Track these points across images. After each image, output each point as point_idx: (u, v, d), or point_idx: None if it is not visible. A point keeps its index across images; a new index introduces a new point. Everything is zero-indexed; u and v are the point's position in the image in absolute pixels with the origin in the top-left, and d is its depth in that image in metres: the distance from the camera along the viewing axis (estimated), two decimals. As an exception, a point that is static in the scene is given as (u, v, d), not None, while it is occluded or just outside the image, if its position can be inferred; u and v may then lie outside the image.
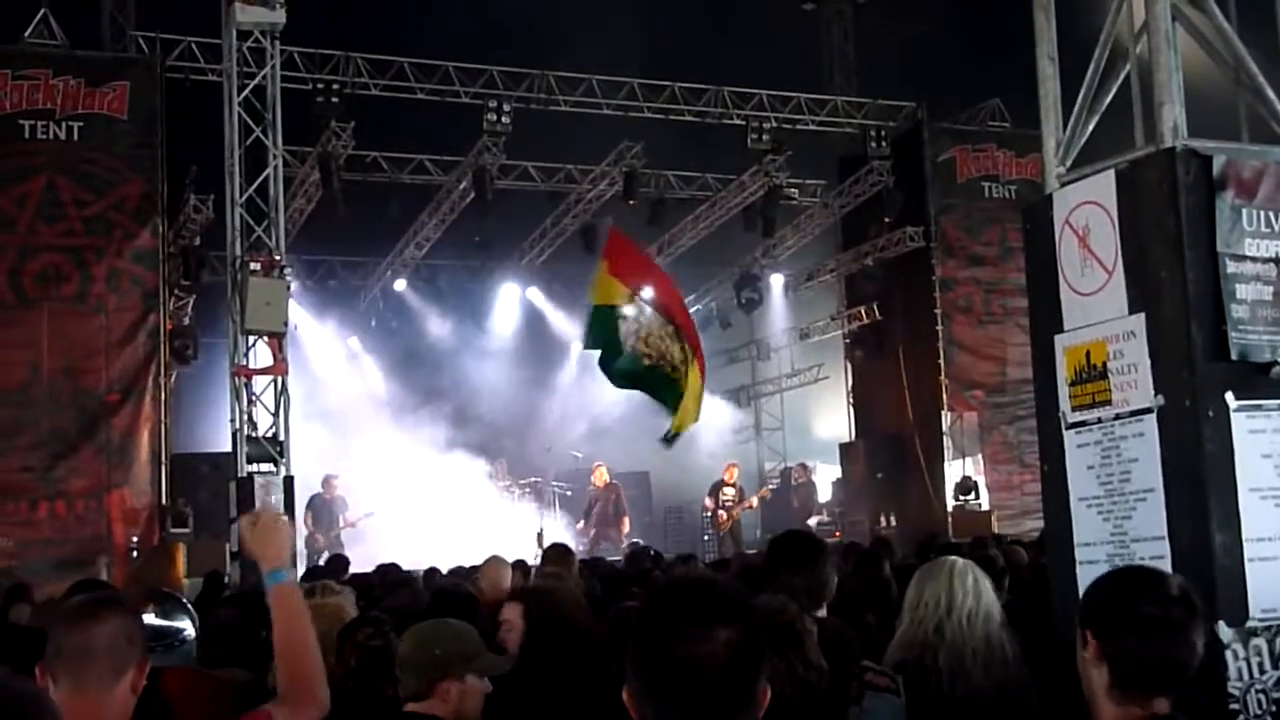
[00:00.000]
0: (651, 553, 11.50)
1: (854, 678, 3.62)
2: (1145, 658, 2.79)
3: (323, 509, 17.40)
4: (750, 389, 25.77)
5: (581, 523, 18.43)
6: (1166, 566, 3.96)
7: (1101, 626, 2.85)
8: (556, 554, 8.05)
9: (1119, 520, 4.09)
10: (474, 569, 8.66)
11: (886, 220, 20.14)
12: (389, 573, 8.76)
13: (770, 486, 21.08)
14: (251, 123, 14.92)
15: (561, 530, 17.31)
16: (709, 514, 19.50)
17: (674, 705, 2.01)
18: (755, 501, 20.20)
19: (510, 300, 23.12)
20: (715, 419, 23.98)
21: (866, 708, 3.56)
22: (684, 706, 2.01)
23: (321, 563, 14.01)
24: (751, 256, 22.40)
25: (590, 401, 21.68)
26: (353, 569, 10.99)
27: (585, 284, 23.39)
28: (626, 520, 18.47)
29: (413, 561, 12.32)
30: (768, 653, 2.08)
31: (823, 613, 4.27)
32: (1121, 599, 2.88)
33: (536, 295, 23.33)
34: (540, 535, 11.99)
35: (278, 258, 14.90)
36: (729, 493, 19.27)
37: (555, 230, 21.02)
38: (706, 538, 20.18)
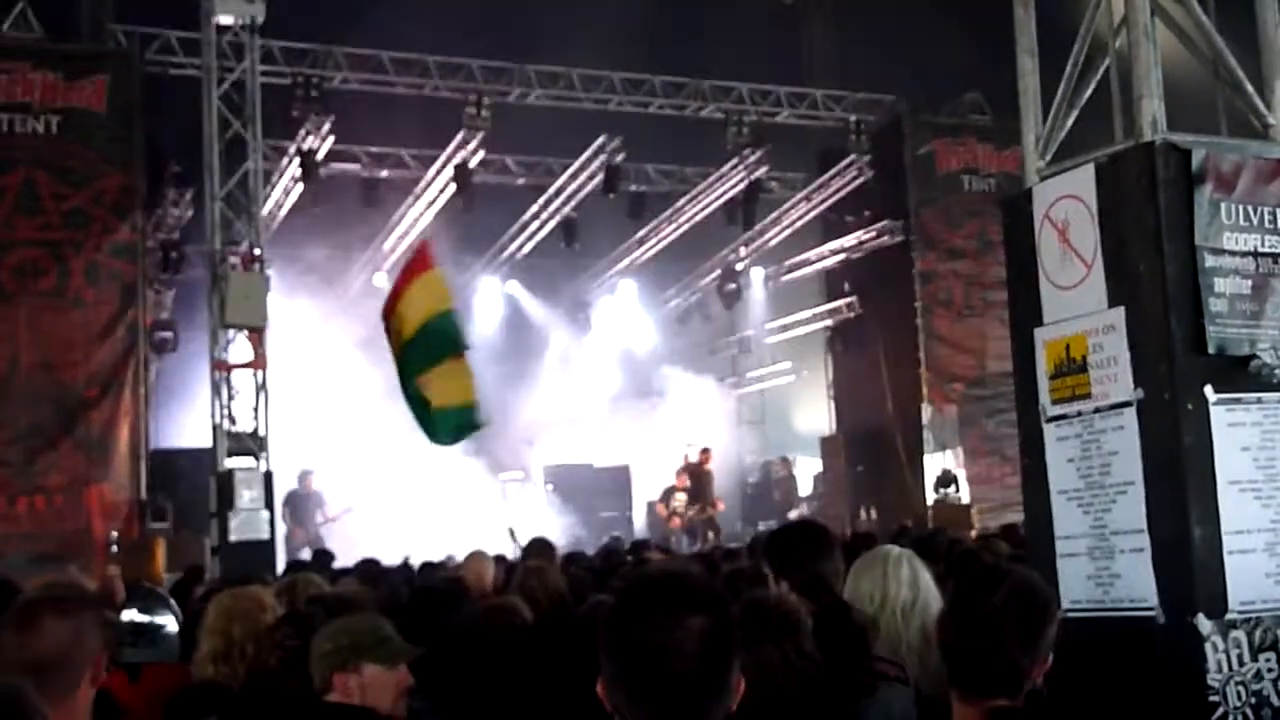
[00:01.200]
0: (627, 546, 11.52)
1: (864, 669, 3.58)
2: (969, 656, 2.84)
3: (301, 504, 17.37)
4: (731, 382, 25.79)
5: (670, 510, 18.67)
6: (1146, 559, 3.97)
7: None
8: (539, 548, 8.07)
9: (1099, 513, 4.10)
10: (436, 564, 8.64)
11: (867, 213, 20.18)
12: (368, 568, 8.73)
13: (720, 505, 20.97)
14: (231, 117, 14.85)
15: (550, 525, 17.33)
16: (663, 518, 19.35)
17: (646, 694, 2.02)
18: (711, 510, 19.73)
19: (491, 295, 23.09)
20: (697, 409, 24.08)
21: (880, 698, 3.53)
22: (656, 695, 2.01)
23: (305, 556, 14.03)
24: (732, 250, 22.42)
25: (570, 394, 21.76)
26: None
27: (566, 277, 23.62)
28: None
29: (392, 556, 12.35)
30: (739, 641, 2.07)
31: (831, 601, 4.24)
32: (956, 596, 2.98)
33: (517, 289, 23.32)
34: (512, 532, 11.90)
35: (257, 252, 14.84)
36: (679, 498, 19.18)
37: (536, 224, 20.98)
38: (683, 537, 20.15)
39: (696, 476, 19.29)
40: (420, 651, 3.82)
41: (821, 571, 4.09)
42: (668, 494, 19.33)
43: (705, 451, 19.61)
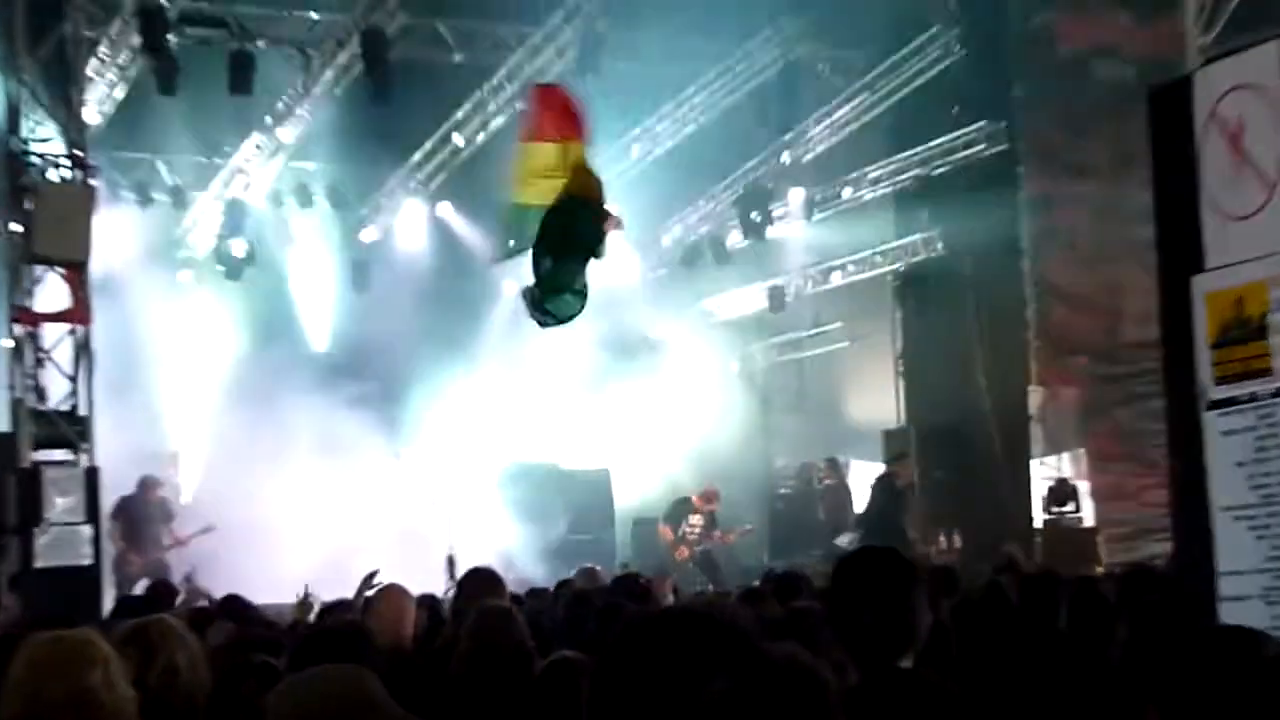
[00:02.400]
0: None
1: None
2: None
3: (140, 517, 17.38)
4: (755, 351, 25.74)
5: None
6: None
7: None
8: (481, 584, 8.07)
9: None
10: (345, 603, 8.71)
11: (955, 111, 20.11)
12: (235, 608, 8.76)
13: (748, 528, 21.19)
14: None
15: (498, 549, 17.43)
16: (668, 545, 19.55)
17: None
18: (733, 537, 20.36)
19: (413, 221, 23.01)
20: (704, 389, 24.08)
21: None
22: None
23: (138, 591, 14.01)
24: (761, 162, 22.34)
25: (526, 367, 21.78)
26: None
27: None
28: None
29: (273, 593, 12.35)
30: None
31: (908, 663, 4.30)
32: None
33: (450, 214, 23.23)
34: (452, 561, 11.87)
35: (79, 154, 14.85)
36: (696, 521, 19.38)
37: (478, 121, 20.87)
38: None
39: (713, 499, 19.85)
40: None
41: (897, 620, 4.17)
42: (680, 512, 19.46)
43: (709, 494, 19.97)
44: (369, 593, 10.63)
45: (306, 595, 11.34)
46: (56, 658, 4.58)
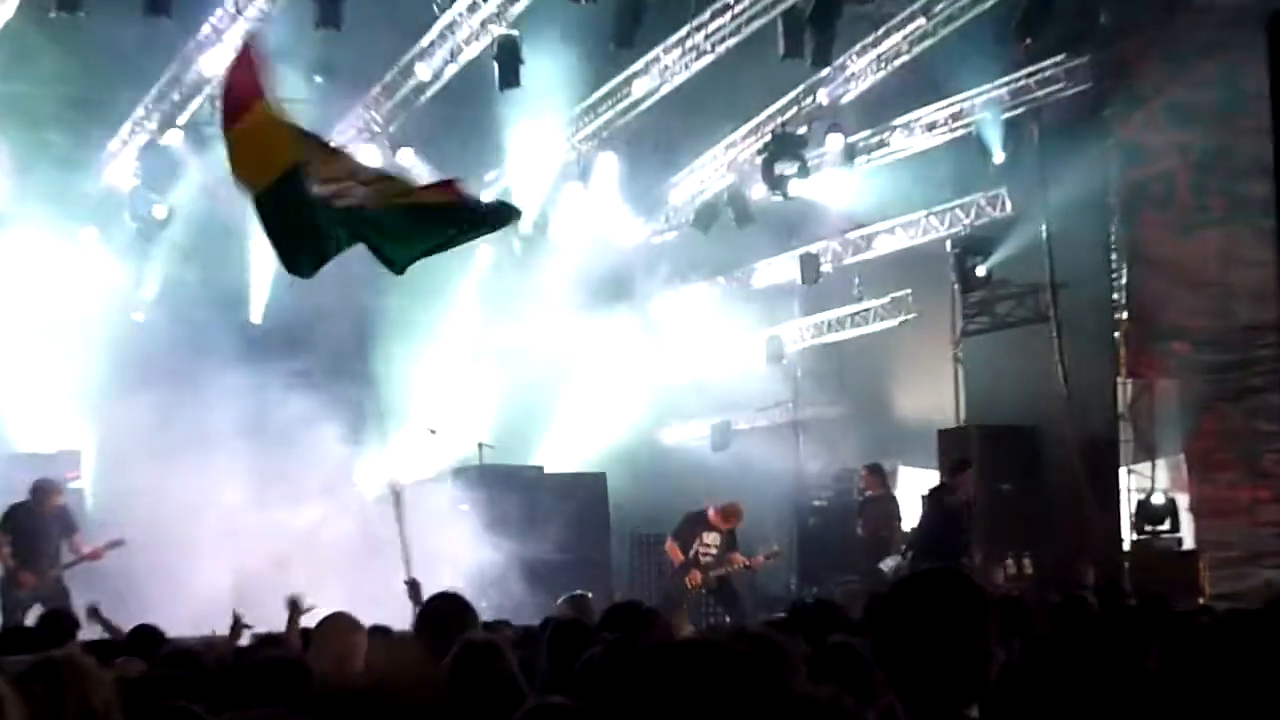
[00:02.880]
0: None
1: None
2: None
3: (33, 529, 17.45)
4: (787, 333, 25.75)
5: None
6: None
7: None
8: (447, 614, 8.04)
9: None
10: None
11: (1027, 43, 20.09)
12: (144, 643, 8.77)
13: (775, 551, 21.27)
14: None
15: (466, 570, 17.46)
16: (676, 567, 19.62)
17: None
18: (758, 562, 20.52)
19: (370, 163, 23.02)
20: (722, 378, 24.07)
21: None
22: None
23: (30, 621, 14.00)
24: (792, 101, 22.31)
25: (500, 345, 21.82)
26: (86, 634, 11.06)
27: (497, 144, 23.64)
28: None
29: (194, 623, 12.35)
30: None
31: (975, 713, 4.33)
32: None
33: (412, 161, 23.20)
34: (414, 587, 11.78)
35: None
36: (711, 540, 19.40)
37: (446, 49, 20.84)
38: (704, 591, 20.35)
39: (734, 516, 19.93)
40: None
41: (963, 661, 4.20)
42: (692, 529, 19.48)
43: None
44: (301, 622, 10.70)
45: (238, 622, 11.37)
46: None
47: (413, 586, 11.24)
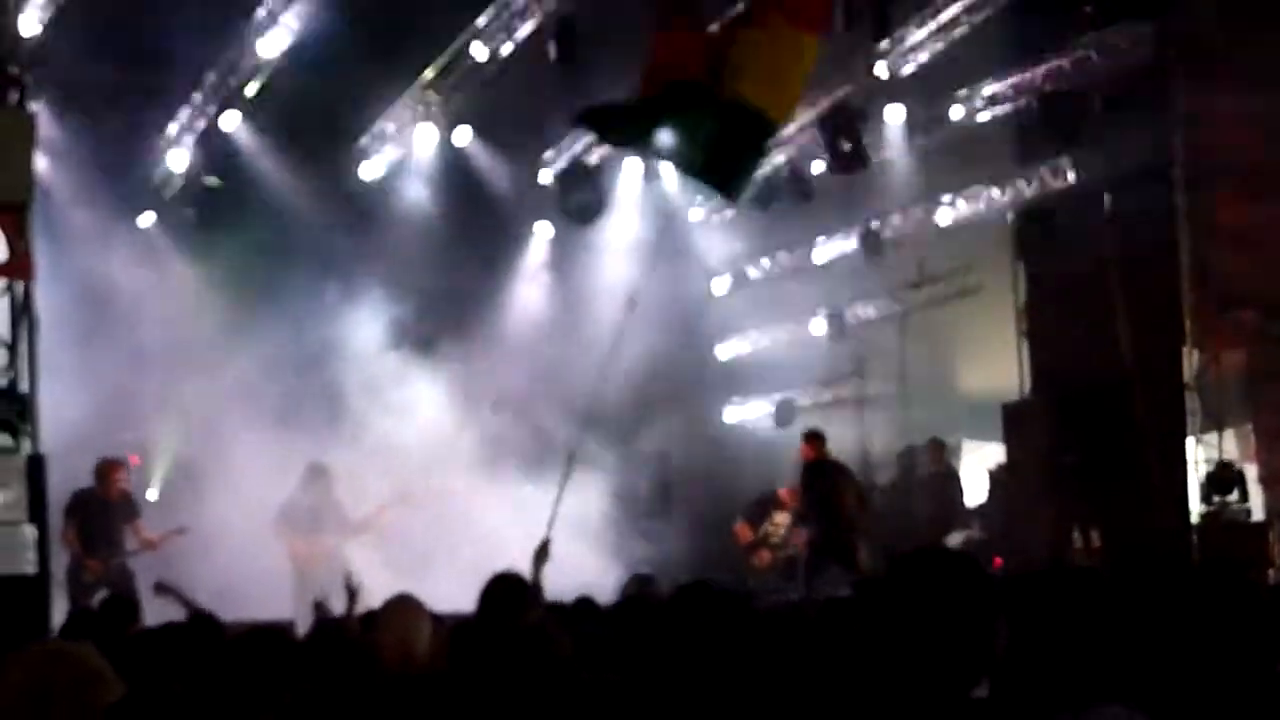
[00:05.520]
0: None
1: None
2: None
3: (98, 516, 17.57)
4: (848, 311, 25.65)
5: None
6: None
7: None
8: (506, 593, 8.02)
9: None
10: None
11: (1089, 10, 19.92)
12: (203, 630, 8.73)
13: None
14: None
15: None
16: (745, 547, 19.67)
17: None
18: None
19: (424, 147, 23.00)
20: (795, 363, 24.02)
21: None
22: None
23: (95, 604, 14.05)
24: (852, 75, 22.18)
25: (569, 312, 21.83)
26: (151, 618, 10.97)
27: (558, 120, 23.56)
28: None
29: (262, 606, 12.38)
30: None
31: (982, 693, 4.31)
32: None
33: (468, 139, 23.18)
34: (543, 551, 11.54)
35: (15, 72, 14.91)
36: (781, 520, 19.43)
37: (501, 22, 20.78)
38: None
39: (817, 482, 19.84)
40: None
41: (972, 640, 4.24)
42: (763, 509, 19.52)
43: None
44: (359, 603, 10.70)
45: (350, 580, 11.32)
46: (63, 677, 4.51)
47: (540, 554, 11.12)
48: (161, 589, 12.36)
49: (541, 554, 10.36)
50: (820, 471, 20.56)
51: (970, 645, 4.26)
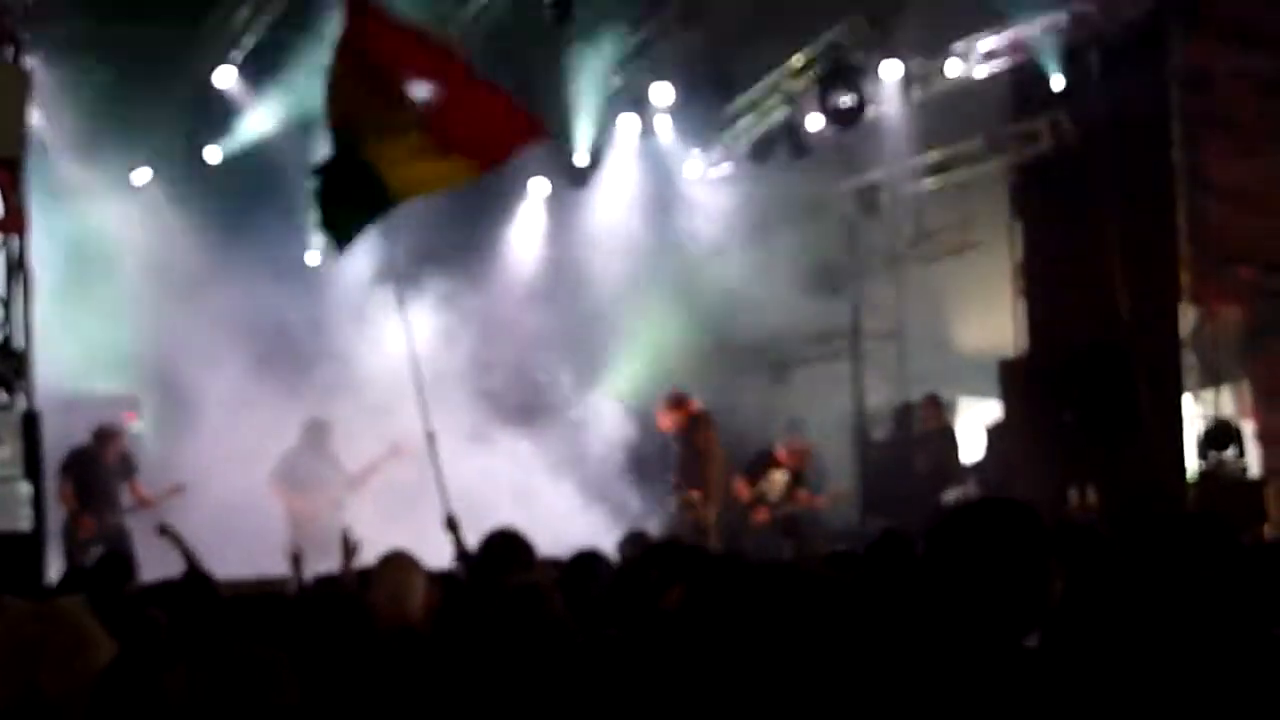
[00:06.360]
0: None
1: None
2: None
3: (95, 474, 17.69)
4: (845, 267, 25.61)
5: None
6: None
7: None
8: (501, 551, 8.05)
9: None
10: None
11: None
12: (195, 585, 8.74)
13: (843, 488, 21.43)
14: None
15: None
16: (744, 503, 19.73)
17: None
18: (824, 501, 20.97)
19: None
20: (785, 318, 23.95)
21: None
22: None
23: (91, 561, 14.06)
24: (846, 28, 22.10)
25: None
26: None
27: (546, 76, 23.44)
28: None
29: (254, 564, 12.35)
30: None
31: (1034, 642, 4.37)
32: None
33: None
34: (451, 523, 11.87)
35: (10, 27, 15.00)
36: (777, 478, 19.52)
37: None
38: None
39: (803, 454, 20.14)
40: None
41: (1018, 587, 4.28)
42: (760, 467, 19.55)
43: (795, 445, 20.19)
44: (355, 561, 10.74)
45: (348, 545, 11.33)
46: (52, 638, 4.47)
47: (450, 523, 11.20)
48: (164, 531, 12.39)
49: (451, 525, 10.66)
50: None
51: (1024, 594, 4.33)
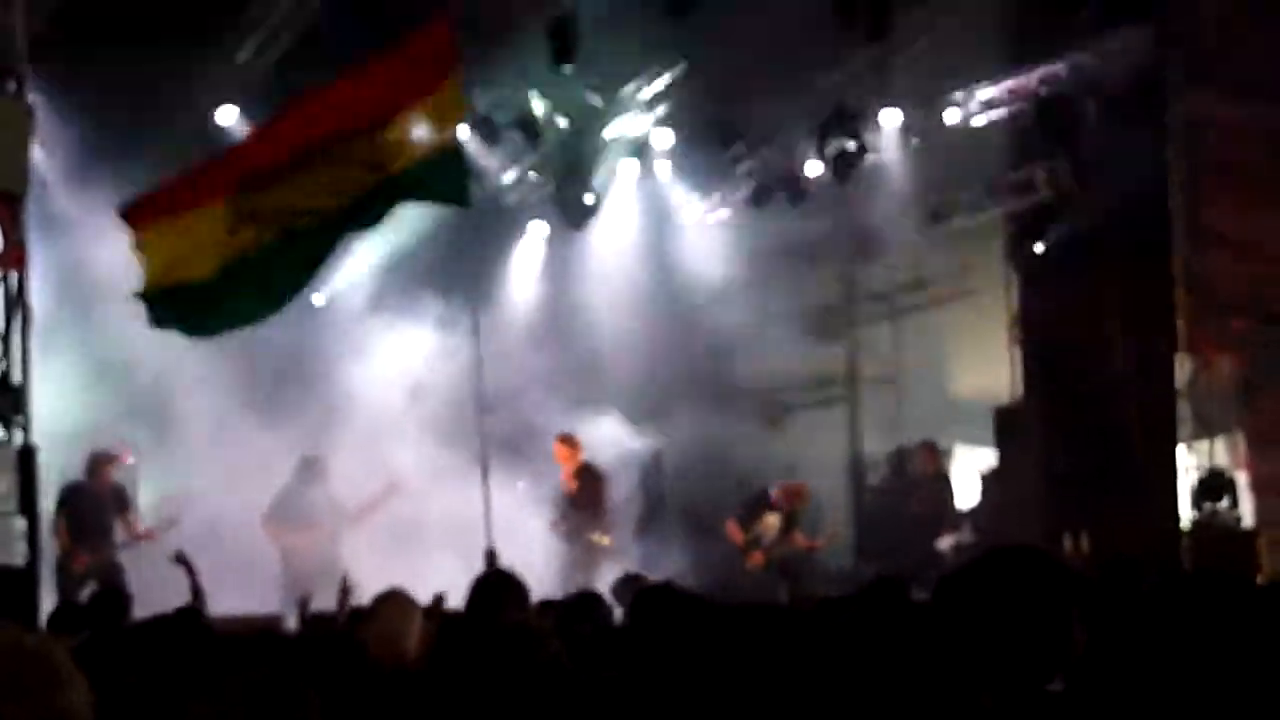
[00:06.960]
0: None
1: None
2: None
3: (90, 508, 17.64)
4: (842, 313, 25.60)
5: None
6: None
7: None
8: (495, 589, 8.01)
9: None
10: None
11: (1084, 13, 19.88)
12: (187, 623, 8.69)
13: (837, 531, 21.42)
14: None
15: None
16: (738, 546, 19.75)
17: None
18: (820, 543, 20.87)
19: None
20: (783, 363, 23.96)
21: None
22: None
23: (85, 598, 14.01)
24: (847, 76, 22.12)
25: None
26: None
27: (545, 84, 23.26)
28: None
29: (248, 601, 12.30)
30: None
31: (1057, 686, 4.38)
32: None
33: (465, 135, 23.12)
34: (491, 556, 12.00)
35: (10, 65, 14.90)
36: (771, 521, 19.51)
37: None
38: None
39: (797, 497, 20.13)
40: None
41: (1040, 636, 4.31)
42: (754, 511, 19.53)
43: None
44: (351, 601, 10.69)
45: (345, 584, 11.30)
46: (17, 671, 4.40)
47: (489, 557, 11.14)
48: (179, 560, 12.34)
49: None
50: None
51: (1047, 641, 4.34)
